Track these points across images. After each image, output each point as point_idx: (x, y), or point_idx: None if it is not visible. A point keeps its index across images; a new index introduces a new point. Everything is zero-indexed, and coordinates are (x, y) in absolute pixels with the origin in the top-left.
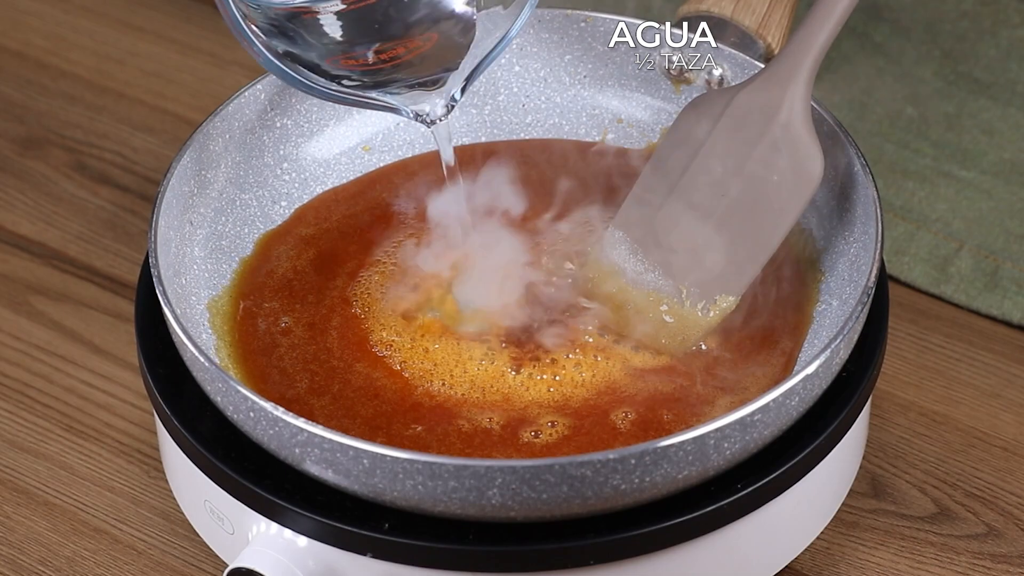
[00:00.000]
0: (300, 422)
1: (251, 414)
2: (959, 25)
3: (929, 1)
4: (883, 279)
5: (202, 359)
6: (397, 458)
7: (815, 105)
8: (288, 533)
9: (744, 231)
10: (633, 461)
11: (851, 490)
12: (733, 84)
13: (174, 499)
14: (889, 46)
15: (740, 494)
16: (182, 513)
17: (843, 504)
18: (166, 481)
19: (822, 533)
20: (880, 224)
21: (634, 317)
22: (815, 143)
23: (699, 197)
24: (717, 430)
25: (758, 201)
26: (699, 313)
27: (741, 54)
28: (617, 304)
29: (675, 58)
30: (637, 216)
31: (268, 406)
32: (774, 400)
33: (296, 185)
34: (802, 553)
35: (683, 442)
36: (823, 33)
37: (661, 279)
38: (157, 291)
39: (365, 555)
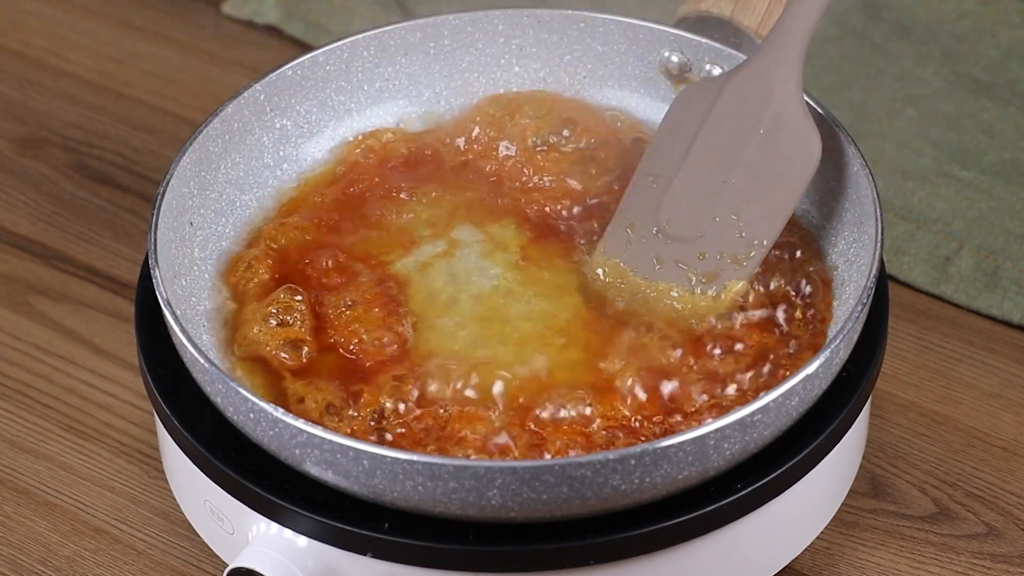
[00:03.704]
0: (300, 423)
1: (251, 415)
2: (959, 25)
3: (929, 1)
4: (883, 279)
5: (202, 361)
6: (397, 459)
7: (814, 105)
8: (288, 533)
9: (748, 216)
10: (633, 462)
11: (851, 490)
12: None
13: (174, 499)
14: (889, 46)
15: (740, 494)
16: (182, 513)
17: (843, 504)
18: (166, 481)
19: (822, 533)
20: (880, 224)
21: (644, 307)
22: (811, 123)
23: (699, 186)
24: (717, 430)
25: (759, 185)
26: (711, 297)
27: (741, 54)
28: (627, 297)
29: (675, 58)
30: (639, 209)
31: (268, 407)
32: (774, 400)
33: (296, 186)
34: (802, 553)
35: (683, 442)
36: (811, 13)
37: (670, 270)
38: (157, 293)
39: (365, 555)
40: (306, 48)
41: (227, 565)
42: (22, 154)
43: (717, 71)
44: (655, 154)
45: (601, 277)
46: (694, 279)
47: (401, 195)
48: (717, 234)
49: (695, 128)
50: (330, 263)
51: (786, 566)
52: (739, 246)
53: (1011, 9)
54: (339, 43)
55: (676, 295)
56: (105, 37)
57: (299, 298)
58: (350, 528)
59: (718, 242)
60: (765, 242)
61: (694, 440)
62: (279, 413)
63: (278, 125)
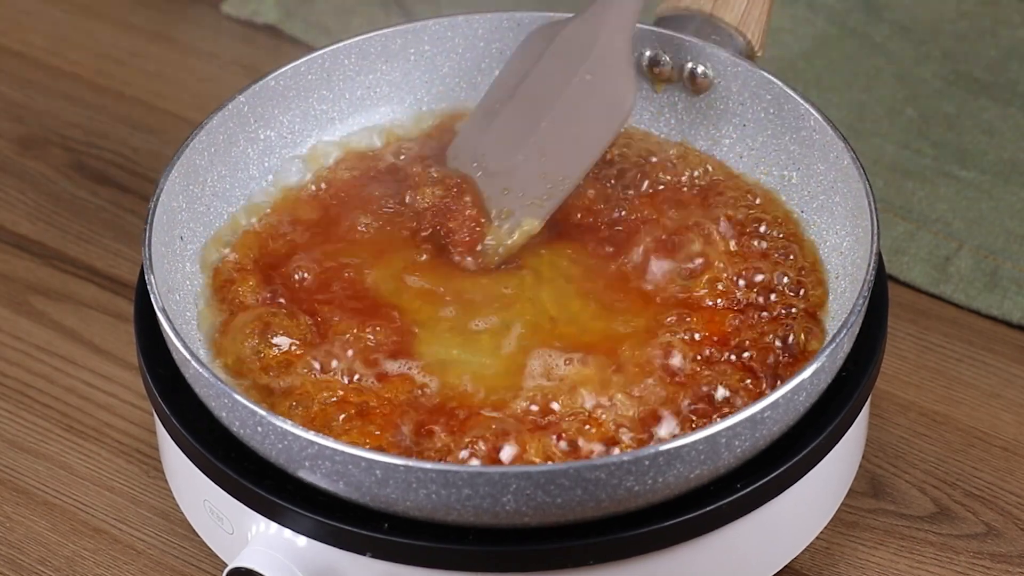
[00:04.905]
0: (311, 435)
1: (259, 429)
2: (959, 25)
3: (929, 1)
4: (882, 276)
5: (207, 375)
6: (411, 467)
7: (804, 102)
8: (288, 533)
9: (554, 158)
10: (647, 462)
11: (851, 490)
12: (714, 81)
13: (174, 499)
14: (889, 46)
15: (740, 494)
16: (182, 513)
17: (843, 504)
18: (166, 481)
19: (822, 533)
20: (875, 215)
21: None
22: (629, 77)
23: (517, 124)
24: (728, 428)
25: (570, 129)
26: (503, 233)
27: (722, 51)
28: None
29: (655, 56)
30: (466, 141)
31: (277, 420)
32: (783, 396)
33: (282, 196)
34: (802, 553)
35: (695, 441)
36: None
37: (480, 202)
38: (156, 309)
39: (365, 555)
40: (305, 48)
41: (227, 565)
42: (22, 154)
43: (699, 69)
44: (492, 91)
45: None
46: (494, 212)
47: (386, 206)
48: (522, 172)
49: (528, 66)
50: (312, 275)
51: (786, 566)
52: (540, 187)
53: (1011, 9)
54: (320, 52)
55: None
56: (105, 37)
57: (284, 315)
58: (350, 528)
59: (522, 180)
60: (564, 186)
61: (706, 439)
62: (288, 426)
63: (262, 136)
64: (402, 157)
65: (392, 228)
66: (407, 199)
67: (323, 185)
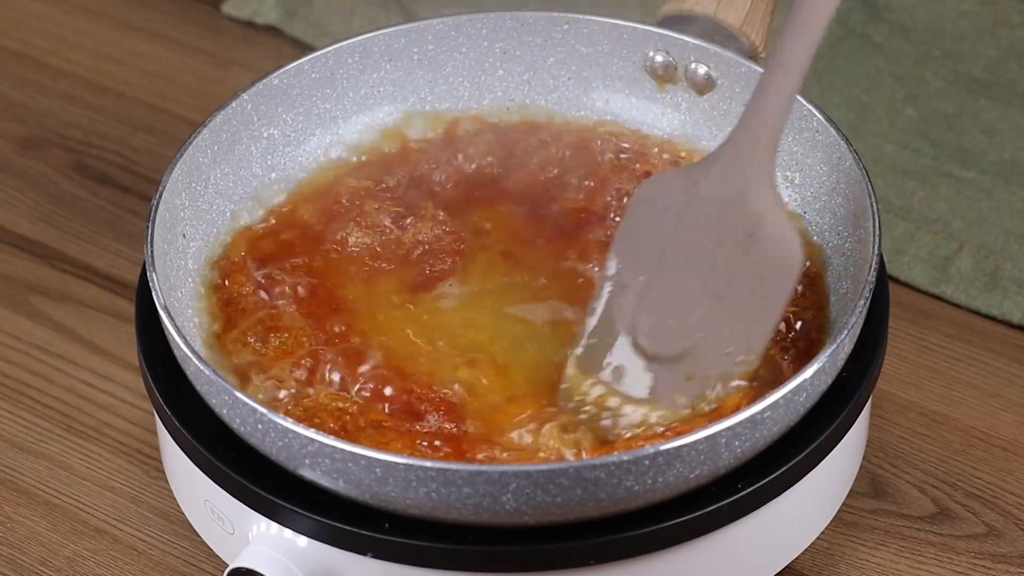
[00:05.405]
0: (311, 432)
1: (259, 426)
2: (959, 25)
3: (929, 1)
4: (883, 277)
5: (208, 372)
6: (410, 465)
7: (806, 103)
8: (288, 533)
9: (734, 330)
10: (647, 462)
11: (851, 490)
12: (718, 82)
13: (174, 499)
14: (889, 46)
15: (740, 494)
16: (182, 513)
17: (843, 504)
18: (166, 481)
19: (822, 533)
20: (877, 216)
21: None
22: (790, 226)
23: (678, 300)
24: (728, 428)
25: (742, 297)
26: (712, 398)
27: (726, 51)
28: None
29: (659, 58)
30: (613, 322)
31: (278, 418)
32: (783, 397)
33: (286, 195)
34: (802, 553)
35: (695, 441)
36: (781, 101)
37: (655, 392)
38: (157, 306)
39: (365, 555)
40: (306, 48)
41: (227, 565)
42: (22, 154)
43: (702, 69)
44: (621, 258)
45: (581, 402)
46: (683, 401)
47: (383, 225)
48: (700, 353)
49: (666, 234)
50: (304, 282)
51: (787, 566)
52: (726, 363)
53: (1011, 9)
54: (324, 51)
55: (659, 417)
56: (105, 37)
57: (283, 318)
58: (350, 528)
59: (703, 362)
60: (752, 357)
61: (706, 439)
62: (289, 423)
63: (265, 135)
64: (414, 168)
65: (383, 249)
66: (407, 222)
67: (325, 188)
